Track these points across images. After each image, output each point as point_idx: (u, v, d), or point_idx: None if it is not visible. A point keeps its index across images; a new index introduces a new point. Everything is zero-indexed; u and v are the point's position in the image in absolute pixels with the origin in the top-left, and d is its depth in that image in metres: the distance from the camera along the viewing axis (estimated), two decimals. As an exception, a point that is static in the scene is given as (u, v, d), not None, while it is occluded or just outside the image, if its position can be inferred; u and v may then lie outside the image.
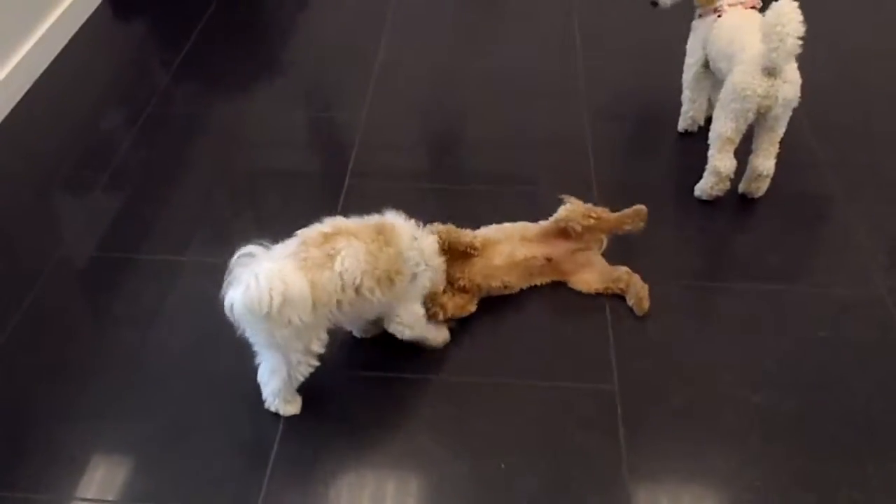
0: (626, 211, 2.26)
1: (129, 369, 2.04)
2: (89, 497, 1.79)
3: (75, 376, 2.02)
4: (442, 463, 1.84)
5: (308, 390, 1.96)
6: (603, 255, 2.26)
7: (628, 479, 1.80)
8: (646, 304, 2.13)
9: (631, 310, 2.15)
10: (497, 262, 2.14)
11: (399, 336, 1.96)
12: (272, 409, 1.91)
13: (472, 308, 2.12)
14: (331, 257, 1.74)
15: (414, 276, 1.89)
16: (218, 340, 2.10)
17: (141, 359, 2.07)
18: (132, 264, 2.32)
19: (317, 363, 1.83)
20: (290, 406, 1.91)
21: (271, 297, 1.63)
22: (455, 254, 2.07)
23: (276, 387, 1.86)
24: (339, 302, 1.76)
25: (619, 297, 2.18)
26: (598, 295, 2.19)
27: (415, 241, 1.88)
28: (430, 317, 2.00)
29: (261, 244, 1.74)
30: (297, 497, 1.79)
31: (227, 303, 1.68)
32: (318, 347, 1.81)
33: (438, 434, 1.89)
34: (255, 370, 1.99)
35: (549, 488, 1.79)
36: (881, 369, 2.05)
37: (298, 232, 1.84)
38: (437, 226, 2.06)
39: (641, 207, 2.25)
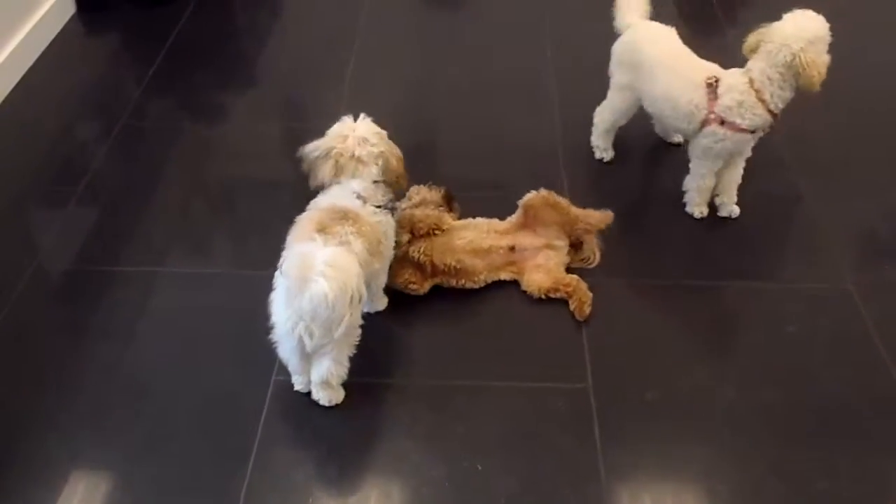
0: (592, 211, 2.30)
1: (106, 382, 2.04)
2: (68, 510, 1.79)
3: (53, 390, 2.02)
4: (420, 467, 1.85)
5: (284, 396, 1.98)
6: (592, 268, 2.29)
7: (605, 475, 1.83)
8: (586, 310, 2.16)
9: (603, 311, 2.18)
10: (457, 243, 2.22)
11: (370, 307, 2.14)
12: (333, 402, 1.95)
13: (421, 288, 2.19)
14: (344, 243, 1.83)
15: (386, 233, 2.04)
16: (195, 350, 2.11)
17: (118, 371, 2.07)
18: (108, 277, 2.32)
19: None
20: (342, 389, 1.97)
21: (353, 279, 1.72)
22: (419, 233, 2.21)
23: (344, 374, 1.91)
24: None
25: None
26: (547, 299, 2.21)
27: (368, 208, 1.98)
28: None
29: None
30: (276, 504, 1.80)
31: (312, 300, 1.69)
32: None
33: (416, 438, 1.91)
34: (231, 376, 2.02)
35: (526, 488, 1.81)
36: (849, 362, 2.09)
37: (291, 234, 1.91)
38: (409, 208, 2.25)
39: (609, 213, 2.31)
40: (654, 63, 2.39)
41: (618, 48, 2.52)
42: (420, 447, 1.89)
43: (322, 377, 1.90)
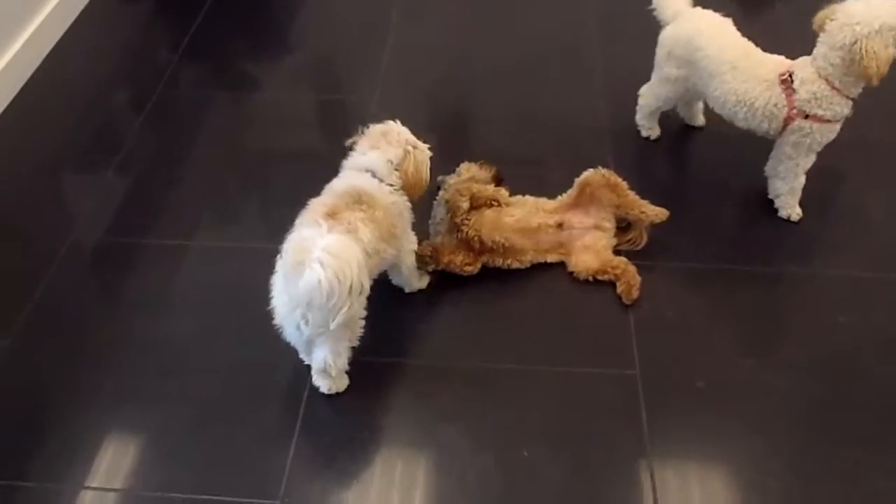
0: (649, 204, 2.22)
1: (143, 356, 2.02)
2: (107, 486, 1.77)
3: (91, 363, 2.00)
4: (465, 453, 1.82)
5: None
6: (639, 251, 2.23)
7: (652, 464, 1.79)
8: (634, 294, 2.11)
9: (651, 295, 2.13)
10: (506, 221, 2.18)
11: (407, 287, 2.12)
12: (333, 391, 1.90)
13: (474, 269, 2.15)
14: (351, 231, 1.78)
15: (401, 214, 1.98)
16: (230, 325, 2.09)
17: (155, 345, 2.05)
18: (142, 248, 2.29)
19: None
20: (345, 378, 1.91)
21: (352, 268, 1.65)
22: (478, 203, 2.17)
23: (343, 364, 1.86)
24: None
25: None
26: (594, 281, 2.16)
27: (384, 188, 1.93)
28: (429, 263, 2.14)
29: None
30: (318, 488, 1.78)
31: (307, 286, 1.63)
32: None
33: (460, 423, 1.87)
34: (271, 353, 1.97)
35: (573, 475, 1.78)
36: (902, 354, 2.03)
37: (299, 218, 1.85)
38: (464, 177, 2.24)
39: (665, 210, 2.22)
40: (717, 63, 2.25)
41: (668, 40, 2.38)
42: (465, 431, 1.86)
43: (319, 366, 1.86)
